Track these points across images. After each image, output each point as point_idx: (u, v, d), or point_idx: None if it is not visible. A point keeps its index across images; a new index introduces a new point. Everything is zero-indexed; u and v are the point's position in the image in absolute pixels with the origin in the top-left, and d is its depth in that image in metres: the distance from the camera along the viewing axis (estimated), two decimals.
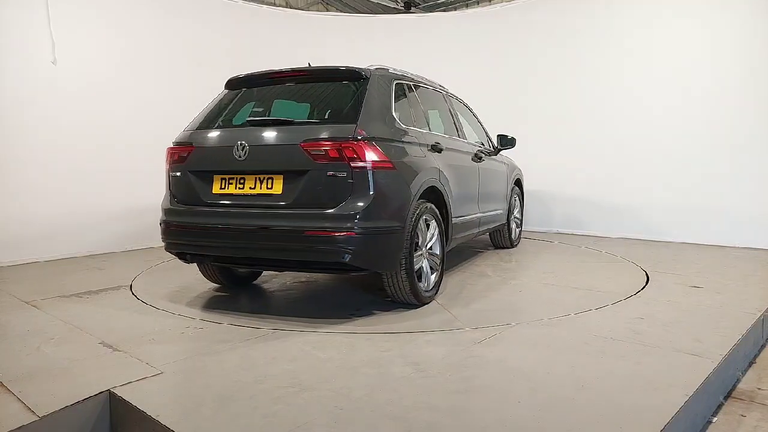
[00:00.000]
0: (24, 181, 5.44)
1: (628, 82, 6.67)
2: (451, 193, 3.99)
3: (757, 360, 3.08)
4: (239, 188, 3.34)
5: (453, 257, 5.46)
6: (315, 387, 2.28)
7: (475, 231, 4.71)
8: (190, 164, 3.52)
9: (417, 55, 7.92)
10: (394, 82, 3.74)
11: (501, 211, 5.45)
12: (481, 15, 8.31)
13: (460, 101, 5.16)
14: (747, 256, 5.40)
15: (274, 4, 12.11)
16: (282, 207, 3.19)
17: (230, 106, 3.78)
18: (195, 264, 4.07)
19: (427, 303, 3.60)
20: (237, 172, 3.35)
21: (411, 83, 4.08)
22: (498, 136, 5.39)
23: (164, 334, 3.05)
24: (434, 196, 3.74)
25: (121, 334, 3.04)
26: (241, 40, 7.24)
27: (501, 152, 5.51)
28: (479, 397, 2.17)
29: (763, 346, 3.26)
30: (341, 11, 14.16)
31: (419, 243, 3.51)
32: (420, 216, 3.46)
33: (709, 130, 6.10)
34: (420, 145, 3.67)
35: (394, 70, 3.95)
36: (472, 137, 5.17)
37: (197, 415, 2.04)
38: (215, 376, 2.43)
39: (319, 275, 4.54)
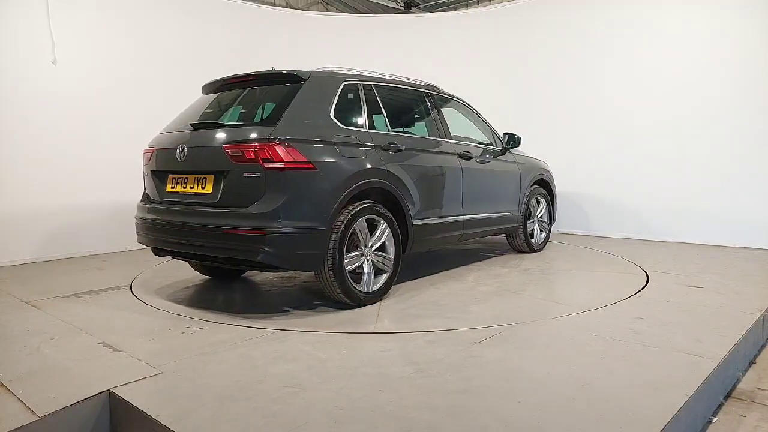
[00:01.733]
0: (24, 181, 5.44)
1: (628, 82, 6.67)
2: (412, 194, 3.95)
3: (757, 360, 3.08)
4: (182, 188, 3.62)
5: (457, 258, 5.46)
6: (315, 387, 2.28)
7: (459, 233, 4.55)
8: (151, 165, 3.87)
9: (417, 55, 7.92)
10: (343, 84, 3.79)
11: (509, 213, 5.19)
12: (481, 15, 8.31)
13: (459, 101, 5.06)
14: (747, 256, 5.40)
15: (274, 4, 12.12)
16: (211, 206, 3.40)
17: (198, 110, 3.98)
18: (195, 268, 4.39)
19: (367, 304, 3.59)
20: (181, 172, 3.63)
21: (372, 83, 4.06)
22: (503, 134, 5.26)
23: (164, 334, 3.05)
24: (383, 196, 3.77)
25: (121, 334, 3.04)
26: (241, 40, 7.24)
27: (514, 152, 5.34)
28: (479, 397, 2.17)
29: (763, 346, 3.26)
30: (341, 11, 14.17)
31: (359, 243, 3.57)
32: (357, 216, 3.48)
33: (710, 130, 6.09)
34: (364, 145, 3.67)
35: (352, 70, 4.03)
36: (478, 136, 5.07)
37: (197, 415, 2.04)
38: (215, 376, 2.43)
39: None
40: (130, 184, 5.91)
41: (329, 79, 3.77)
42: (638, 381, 2.30)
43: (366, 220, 3.58)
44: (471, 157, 4.66)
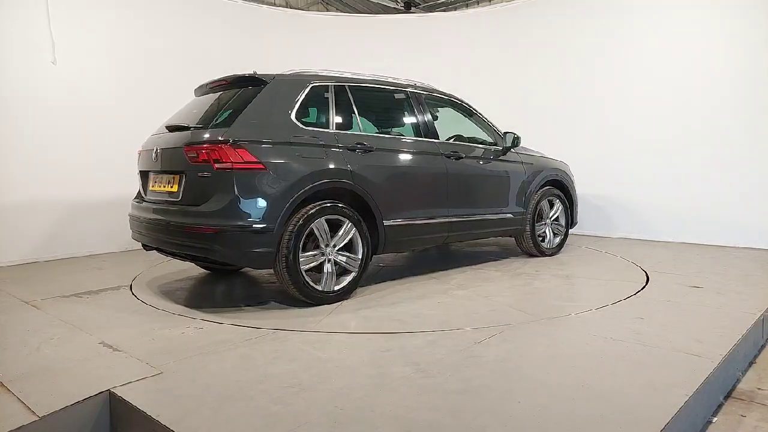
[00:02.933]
0: (24, 181, 5.44)
1: (628, 81, 6.67)
2: (383, 194, 3.94)
3: (757, 360, 3.08)
4: (159, 187, 3.83)
5: (458, 259, 5.46)
6: (315, 387, 2.28)
7: (444, 235, 4.46)
8: (140, 165, 4.17)
9: (417, 55, 7.92)
10: (310, 85, 3.84)
11: (511, 215, 5.00)
12: (481, 15, 8.30)
13: (455, 101, 4.95)
14: (747, 256, 5.40)
15: (274, 4, 12.11)
16: (176, 204, 3.60)
17: (183, 112, 4.11)
18: (194, 264, 4.40)
19: (326, 303, 3.62)
20: (158, 172, 3.86)
21: (346, 84, 4.07)
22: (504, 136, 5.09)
23: (164, 334, 3.05)
24: (350, 197, 3.79)
25: (121, 334, 3.04)
26: (241, 40, 7.24)
27: (522, 151, 5.20)
28: (479, 397, 2.17)
29: (763, 346, 3.26)
30: (341, 11, 14.16)
31: (319, 243, 3.62)
32: (315, 216, 3.53)
33: (710, 130, 6.09)
34: (326, 146, 3.71)
35: (328, 72, 4.09)
36: (477, 136, 5.02)
37: (197, 415, 2.04)
38: (215, 376, 2.43)
39: None
40: (130, 184, 5.93)
41: (294, 81, 3.84)
42: (638, 381, 2.30)
43: (329, 219, 3.62)
44: (461, 158, 4.58)
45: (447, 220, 4.45)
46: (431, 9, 13.44)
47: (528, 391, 2.22)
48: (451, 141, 4.73)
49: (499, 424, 1.95)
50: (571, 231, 5.77)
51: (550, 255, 5.39)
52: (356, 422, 1.96)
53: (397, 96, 4.54)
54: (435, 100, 4.81)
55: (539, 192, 5.25)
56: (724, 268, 4.78)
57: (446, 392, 2.22)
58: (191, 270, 4.68)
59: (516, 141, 5.03)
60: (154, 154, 3.78)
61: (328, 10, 14.19)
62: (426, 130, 4.49)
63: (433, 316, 3.37)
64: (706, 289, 3.96)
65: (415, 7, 13.70)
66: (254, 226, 3.32)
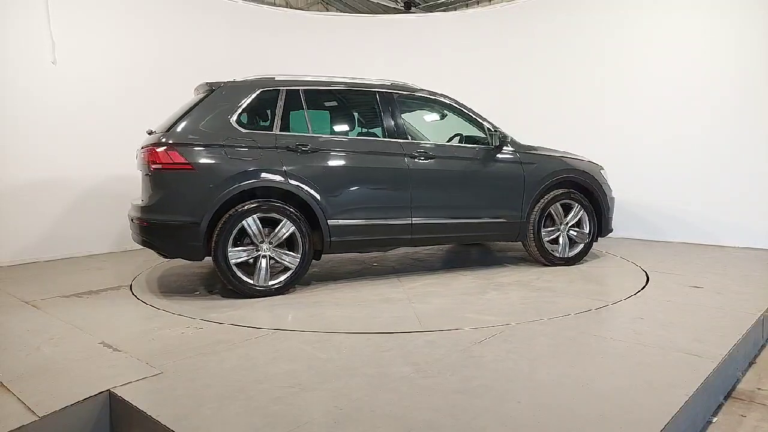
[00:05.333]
0: (24, 181, 5.44)
1: (628, 81, 6.66)
2: (327, 194, 4.01)
3: (757, 360, 3.07)
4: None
5: (443, 263, 5.46)
6: (315, 387, 2.28)
7: (406, 237, 4.35)
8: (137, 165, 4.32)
9: (417, 55, 7.92)
10: (258, 91, 4.08)
11: (498, 219, 4.64)
12: (481, 15, 8.30)
13: (438, 100, 4.70)
14: (747, 256, 5.40)
15: (274, 4, 12.11)
16: (138, 202, 4.02)
17: (170, 115, 4.23)
18: (194, 263, 4.60)
19: (259, 296, 3.83)
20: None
21: (300, 88, 4.21)
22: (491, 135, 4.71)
23: (164, 334, 3.05)
24: (287, 196, 3.94)
25: (121, 334, 3.05)
26: (241, 40, 7.23)
27: (527, 150, 4.79)
28: (479, 397, 2.17)
29: (763, 346, 3.26)
30: (341, 11, 14.16)
31: (253, 239, 3.85)
32: (247, 214, 3.78)
33: (710, 130, 6.09)
34: (263, 147, 3.90)
35: (286, 77, 4.26)
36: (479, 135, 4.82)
37: (197, 415, 2.04)
38: (215, 376, 2.43)
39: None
40: (130, 184, 5.92)
41: (241, 87, 4.09)
42: (638, 381, 2.30)
43: (267, 218, 3.84)
44: (431, 158, 4.40)
45: (408, 222, 4.33)
46: (431, 9, 13.45)
47: (528, 391, 2.22)
48: (426, 142, 4.53)
49: (499, 424, 1.95)
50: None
51: (562, 265, 4.84)
52: (356, 422, 1.96)
53: (360, 98, 4.58)
54: (416, 100, 4.71)
55: (548, 195, 4.78)
56: (724, 268, 4.78)
57: (446, 392, 2.22)
58: (191, 271, 4.68)
59: (503, 141, 4.66)
60: (137, 155, 4.15)
61: (328, 10, 14.20)
62: (392, 130, 4.40)
63: (336, 318, 3.39)
64: (706, 289, 3.96)
65: (415, 7, 13.71)
66: (180, 221, 3.71)
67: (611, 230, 5.17)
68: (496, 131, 4.66)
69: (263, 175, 3.86)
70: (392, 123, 4.42)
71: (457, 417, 2.00)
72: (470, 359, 2.59)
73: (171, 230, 3.76)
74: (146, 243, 3.95)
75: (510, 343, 2.82)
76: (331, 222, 4.04)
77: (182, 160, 3.73)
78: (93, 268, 5.13)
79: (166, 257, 4.23)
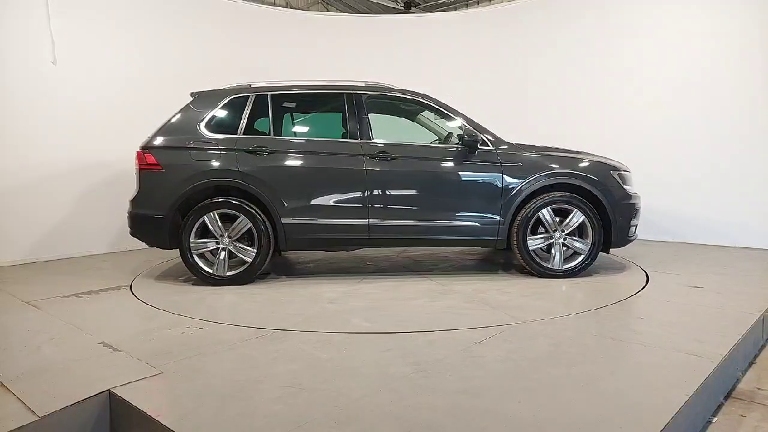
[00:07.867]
0: (24, 181, 5.44)
1: (628, 81, 6.66)
2: (281, 193, 4.25)
3: (757, 360, 3.08)
4: None
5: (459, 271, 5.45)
6: (315, 387, 2.28)
7: (363, 236, 4.34)
8: None
9: (417, 55, 7.92)
10: (226, 98, 4.45)
11: (470, 223, 4.36)
12: (481, 15, 8.30)
13: (422, 101, 4.55)
14: (747, 256, 5.40)
15: (274, 4, 12.11)
16: None
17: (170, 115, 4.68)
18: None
19: (217, 285, 4.23)
20: None
21: (266, 94, 4.46)
22: (458, 135, 4.46)
23: (164, 334, 3.05)
24: (246, 194, 4.26)
25: (121, 334, 3.04)
26: (241, 40, 7.23)
27: (520, 149, 4.45)
28: (479, 397, 2.17)
29: (763, 346, 3.26)
30: (341, 11, 14.16)
31: (214, 233, 4.25)
32: (206, 209, 4.21)
33: (710, 130, 6.09)
34: (226, 150, 4.27)
35: (263, 83, 4.53)
36: (436, 134, 4.75)
37: (197, 415, 2.04)
38: (215, 376, 2.43)
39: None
40: (129, 184, 5.93)
41: (212, 95, 4.50)
42: (638, 381, 2.31)
43: (227, 214, 4.23)
44: (394, 159, 4.30)
45: (365, 222, 4.31)
46: (431, 9, 13.45)
47: (528, 391, 2.22)
48: (388, 142, 4.39)
49: (499, 424, 1.95)
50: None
51: (552, 276, 4.37)
52: (356, 422, 1.96)
53: (328, 100, 4.71)
54: (391, 100, 4.66)
55: (536, 199, 4.35)
56: (724, 268, 4.78)
57: (446, 392, 2.22)
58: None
59: (472, 139, 4.32)
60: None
61: (328, 10, 14.20)
62: (354, 131, 4.38)
63: (253, 316, 3.44)
64: (706, 289, 3.96)
65: (415, 7, 13.71)
66: (150, 214, 4.25)
67: (631, 239, 4.54)
68: (464, 134, 4.36)
69: (218, 175, 4.24)
70: (355, 124, 4.40)
71: (457, 417, 2.00)
72: (470, 359, 2.59)
73: (147, 222, 4.31)
74: (132, 233, 4.43)
75: (510, 343, 2.82)
76: (285, 220, 4.28)
77: (154, 162, 4.26)
78: (93, 268, 5.13)
79: (150, 246, 4.66)
